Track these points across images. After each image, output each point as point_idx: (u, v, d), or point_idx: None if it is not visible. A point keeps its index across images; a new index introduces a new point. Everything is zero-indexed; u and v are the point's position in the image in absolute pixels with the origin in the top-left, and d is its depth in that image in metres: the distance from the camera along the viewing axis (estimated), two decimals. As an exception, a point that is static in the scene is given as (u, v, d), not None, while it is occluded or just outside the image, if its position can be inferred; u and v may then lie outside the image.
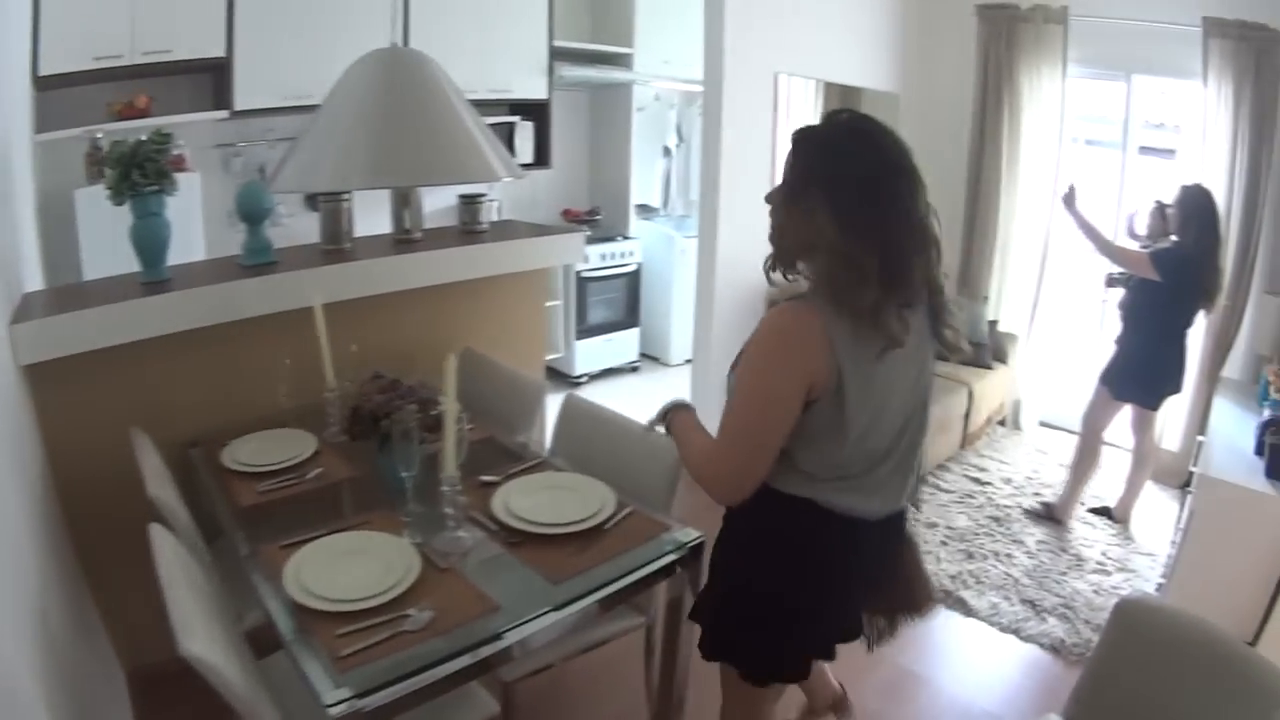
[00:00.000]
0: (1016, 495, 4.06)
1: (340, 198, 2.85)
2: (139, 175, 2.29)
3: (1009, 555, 3.48)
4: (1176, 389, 3.59)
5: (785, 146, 1.47)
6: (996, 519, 3.81)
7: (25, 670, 1.38)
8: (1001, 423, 4.94)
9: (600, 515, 1.89)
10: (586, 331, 5.32)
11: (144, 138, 2.29)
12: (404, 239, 3.00)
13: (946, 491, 4.06)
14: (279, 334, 2.29)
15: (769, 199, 1.51)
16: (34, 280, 2.69)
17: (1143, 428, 3.70)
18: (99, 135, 2.26)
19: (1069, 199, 3.61)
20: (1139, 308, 3.53)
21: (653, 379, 5.51)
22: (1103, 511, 3.89)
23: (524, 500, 1.94)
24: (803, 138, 1.46)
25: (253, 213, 2.63)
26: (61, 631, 1.82)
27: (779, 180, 1.48)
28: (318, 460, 2.23)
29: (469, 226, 3.15)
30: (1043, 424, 4.93)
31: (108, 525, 2.22)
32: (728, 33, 3.64)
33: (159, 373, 2.42)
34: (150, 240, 2.40)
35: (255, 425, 2.38)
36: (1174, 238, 3.40)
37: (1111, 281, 3.73)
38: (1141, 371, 3.55)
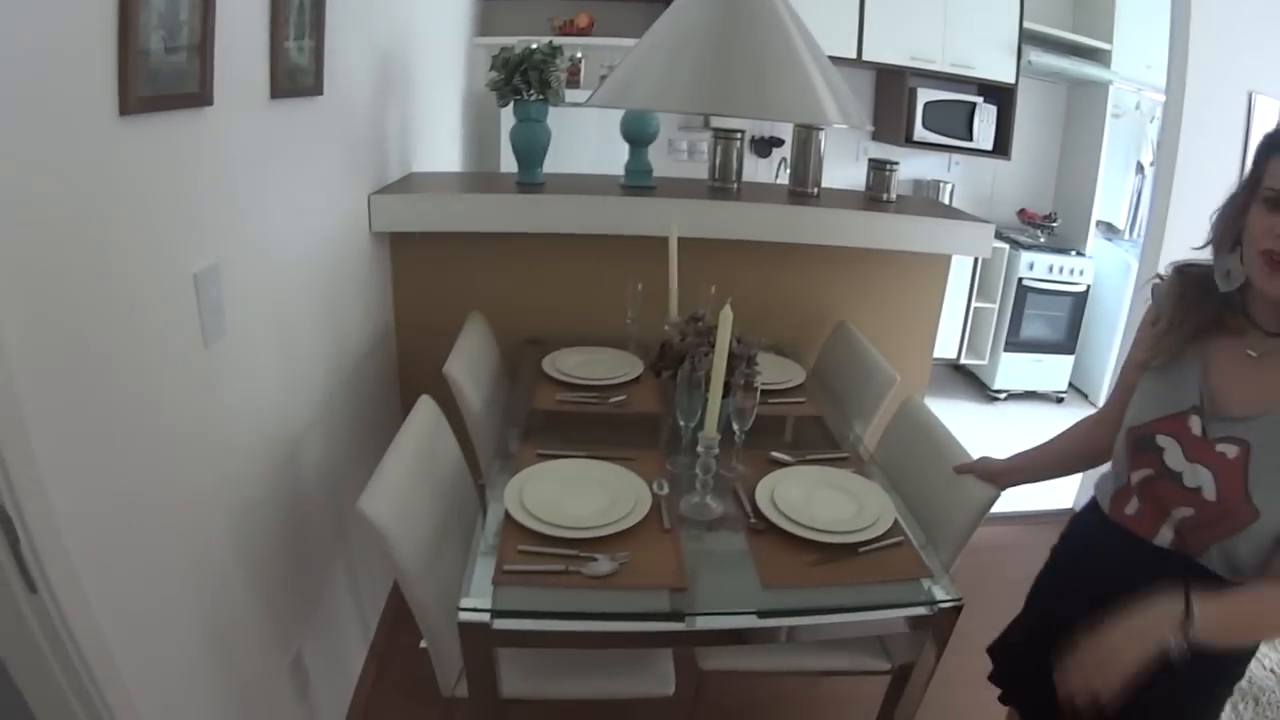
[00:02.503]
0: None
1: (732, 135, 2.74)
2: (520, 81, 2.38)
3: None
4: None
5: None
6: None
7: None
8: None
9: (862, 534, 1.55)
10: (1017, 345, 4.74)
11: (534, 46, 2.38)
12: (797, 193, 2.78)
13: None
14: (640, 258, 2.26)
15: None
16: (439, 163, 2.99)
17: None
18: (533, 45, 2.43)
19: None
20: None
21: (1076, 416, 4.51)
22: None
23: (794, 489, 1.68)
24: None
25: (636, 135, 2.63)
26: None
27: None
28: (631, 388, 2.19)
29: (873, 194, 2.82)
30: None
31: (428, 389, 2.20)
32: (1194, 36, 2.88)
33: (519, 268, 2.55)
34: (527, 143, 2.51)
35: (597, 340, 2.41)
36: None
37: None
38: None
